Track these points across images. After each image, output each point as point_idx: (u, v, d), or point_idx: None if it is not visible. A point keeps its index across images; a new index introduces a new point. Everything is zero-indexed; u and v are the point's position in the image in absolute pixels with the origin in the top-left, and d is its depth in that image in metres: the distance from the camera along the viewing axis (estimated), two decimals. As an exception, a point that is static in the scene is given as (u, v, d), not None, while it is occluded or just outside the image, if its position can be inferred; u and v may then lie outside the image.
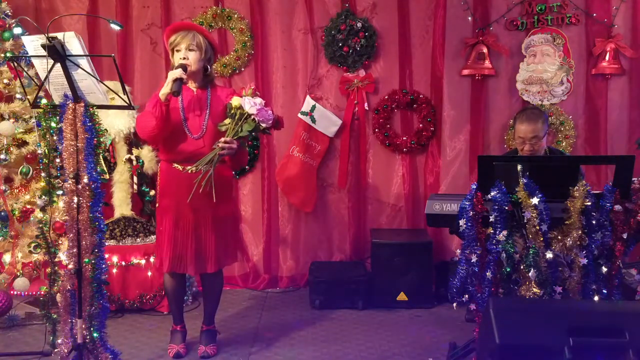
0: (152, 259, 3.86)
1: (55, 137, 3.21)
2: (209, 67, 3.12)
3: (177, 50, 3.03)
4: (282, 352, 3.33)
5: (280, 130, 3.31)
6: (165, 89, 2.90)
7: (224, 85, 4.43)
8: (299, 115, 4.42)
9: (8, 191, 3.77)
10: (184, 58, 2.99)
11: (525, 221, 2.49)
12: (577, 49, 4.31)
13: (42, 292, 3.35)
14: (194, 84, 3.13)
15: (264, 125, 3.04)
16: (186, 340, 3.34)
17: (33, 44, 2.56)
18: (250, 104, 2.98)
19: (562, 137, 4.30)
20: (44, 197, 3.36)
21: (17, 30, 3.83)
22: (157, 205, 3.19)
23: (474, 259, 2.55)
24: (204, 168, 2.98)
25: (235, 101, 3.01)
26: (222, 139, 2.99)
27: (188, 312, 3.83)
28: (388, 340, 3.50)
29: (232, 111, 3.02)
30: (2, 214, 3.69)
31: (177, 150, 3.07)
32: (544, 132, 3.20)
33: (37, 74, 2.81)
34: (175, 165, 3.08)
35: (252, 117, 3.00)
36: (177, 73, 2.90)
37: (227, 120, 3.05)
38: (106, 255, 3.03)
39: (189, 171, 3.02)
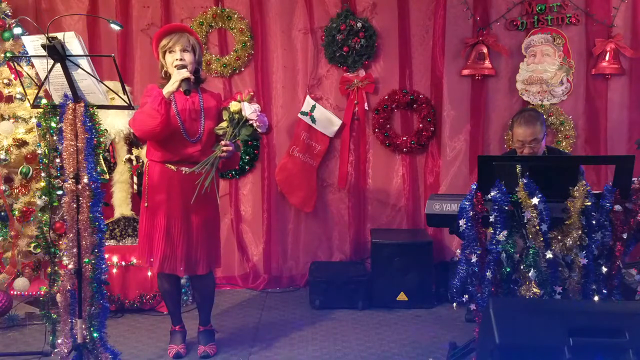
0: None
1: (55, 137, 3.21)
2: (199, 69, 3.13)
3: (171, 52, 3.01)
4: (282, 352, 3.33)
5: (268, 134, 3.37)
6: (171, 88, 2.89)
7: (223, 85, 4.44)
8: (299, 115, 4.42)
9: (8, 191, 3.77)
10: (181, 59, 2.98)
11: (525, 221, 2.49)
12: (577, 49, 4.31)
13: (42, 292, 3.35)
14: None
15: (260, 130, 3.10)
16: (186, 341, 3.34)
17: (33, 44, 2.56)
18: (250, 110, 3.03)
19: (562, 137, 4.30)
20: (44, 197, 3.36)
21: (17, 30, 3.83)
22: (146, 205, 3.12)
23: (474, 259, 2.55)
24: (207, 169, 3.02)
25: (234, 106, 3.04)
26: (223, 142, 3.03)
27: (187, 312, 3.83)
28: (388, 340, 3.50)
29: (231, 116, 3.05)
30: (2, 214, 3.69)
31: (175, 152, 3.06)
32: (542, 134, 3.19)
33: (37, 74, 2.81)
34: (169, 165, 3.08)
35: (251, 122, 3.05)
36: (185, 73, 2.91)
37: (225, 124, 3.08)
38: (106, 255, 3.02)
39: (184, 172, 3.04)
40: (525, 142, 3.18)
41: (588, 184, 2.52)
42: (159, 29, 4.36)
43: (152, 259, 3.11)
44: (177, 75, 2.91)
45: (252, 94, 3.10)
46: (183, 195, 3.05)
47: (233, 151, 3.05)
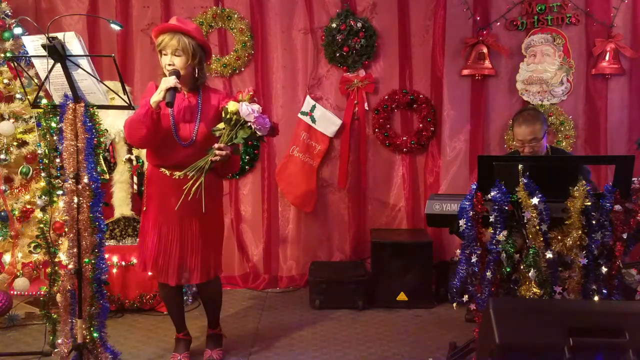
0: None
1: (55, 137, 3.21)
2: (197, 70, 2.94)
3: (164, 54, 2.89)
4: (282, 352, 3.33)
5: (275, 137, 3.19)
6: (157, 97, 2.75)
7: (223, 85, 4.43)
8: (299, 115, 4.42)
9: (8, 191, 3.77)
10: (170, 64, 2.85)
11: (525, 221, 2.49)
12: (577, 49, 4.31)
13: (42, 292, 3.35)
14: (184, 89, 2.97)
15: (259, 133, 2.87)
16: (190, 348, 3.24)
17: (33, 44, 2.57)
18: (248, 111, 2.81)
19: (562, 137, 4.30)
20: (44, 197, 3.36)
21: (17, 30, 3.83)
22: (144, 208, 3.06)
23: (474, 259, 2.55)
24: (195, 175, 2.85)
25: (232, 106, 2.83)
26: (216, 145, 2.83)
27: (188, 312, 3.81)
28: (388, 340, 3.50)
29: (228, 116, 2.84)
30: (2, 214, 3.69)
31: (166, 156, 2.94)
32: (542, 133, 3.19)
33: (37, 74, 2.81)
34: (163, 169, 2.96)
35: (249, 124, 2.83)
36: (171, 82, 2.73)
37: (222, 125, 2.87)
38: (106, 255, 3.00)
39: (177, 177, 2.89)
40: (524, 142, 3.18)
41: (588, 184, 2.52)
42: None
43: (147, 268, 3.01)
44: (163, 84, 2.76)
45: (251, 93, 2.90)
46: (177, 201, 2.89)
47: (229, 155, 2.85)
